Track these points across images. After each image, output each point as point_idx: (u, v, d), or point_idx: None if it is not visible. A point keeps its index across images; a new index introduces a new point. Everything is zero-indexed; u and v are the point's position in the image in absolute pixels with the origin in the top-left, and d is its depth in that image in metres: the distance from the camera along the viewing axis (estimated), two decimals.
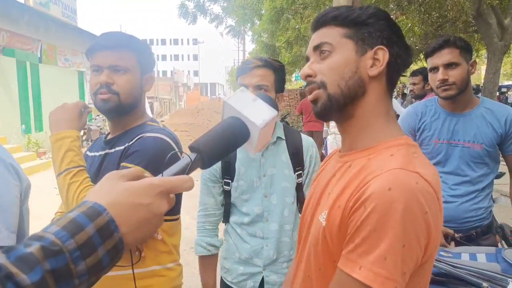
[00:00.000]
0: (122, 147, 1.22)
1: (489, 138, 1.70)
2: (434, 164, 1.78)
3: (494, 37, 7.58)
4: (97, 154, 1.30)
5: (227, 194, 1.54)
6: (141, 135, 1.20)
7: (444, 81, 1.68)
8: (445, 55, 1.69)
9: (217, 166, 1.53)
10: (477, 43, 12.30)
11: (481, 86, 9.76)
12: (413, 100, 4.29)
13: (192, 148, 0.64)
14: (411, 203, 0.64)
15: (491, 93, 7.84)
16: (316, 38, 0.84)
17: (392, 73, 0.81)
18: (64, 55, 13.82)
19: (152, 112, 27.57)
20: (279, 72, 1.49)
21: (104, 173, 1.19)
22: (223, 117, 0.72)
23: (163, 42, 64.75)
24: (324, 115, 0.82)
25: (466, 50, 1.70)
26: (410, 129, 1.85)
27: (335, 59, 0.79)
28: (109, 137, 1.32)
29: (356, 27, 0.80)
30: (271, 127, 0.73)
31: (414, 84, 3.93)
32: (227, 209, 1.56)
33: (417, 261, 0.67)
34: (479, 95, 1.96)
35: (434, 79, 1.73)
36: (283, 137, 1.53)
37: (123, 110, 1.24)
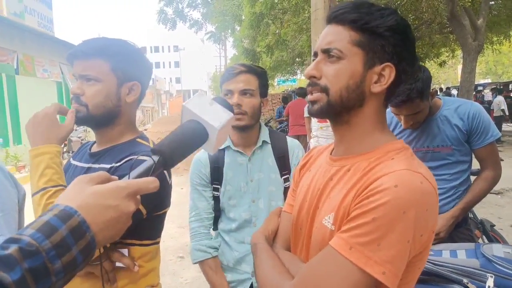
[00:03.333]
0: (108, 166, 1.13)
1: (456, 138, 1.73)
2: None
3: (468, 37, 7.81)
4: (79, 164, 1.22)
5: (216, 199, 1.53)
6: (131, 157, 1.11)
7: (408, 124, 1.73)
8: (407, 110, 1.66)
9: (206, 171, 1.52)
10: (452, 43, 12.65)
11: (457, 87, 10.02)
12: None
13: (154, 151, 0.67)
14: (415, 201, 0.68)
15: (468, 92, 8.06)
16: (328, 36, 0.82)
17: (394, 87, 0.81)
18: (42, 66, 13.53)
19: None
20: (262, 78, 1.52)
21: None
22: (182, 120, 0.76)
23: (144, 50, 64.04)
24: (318, 116, 0.85)
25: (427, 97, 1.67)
26: None
27: (342, 67, 0.79)
28: (95, 149, 1.24)
29: (372, 36, 0.78)
30: (228, 128, 0.78)
31: None
32: (216, 215, 1.55)
33: (412, 253, 0.70)
34: (440, 96, 1.96)
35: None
36: (269, 141, 1.54)
37: (95, 122, 1.17)
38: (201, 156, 1.56)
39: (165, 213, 1.19)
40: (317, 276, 0.71)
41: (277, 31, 10.94)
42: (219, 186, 1.52)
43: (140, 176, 0.64)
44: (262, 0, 8.47)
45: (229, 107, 0.83)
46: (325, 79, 0.80)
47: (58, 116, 1.14)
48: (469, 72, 8.06)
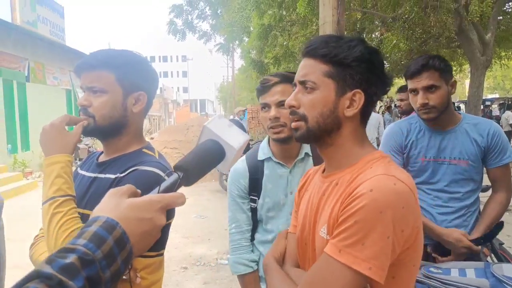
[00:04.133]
0: (113, 176, 1.15)
1: (474, 154, 1.72)
2: (422, 181, 1.78)
3: (476, 52, 7.80)
4: (87, 174, 1.24)
5: (253, 211, 1.52)
6: (135, 168, 1.13)
7: (424, 105, 1.69)
8: (425, 79, 1.68)
9: (245, 182, 1.52)
10: (460, 57, 12.63)
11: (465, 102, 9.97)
12: (399, 115, 4.34)
13: (178, 167, 0.71)
14: (390, 200, 0.76)
15: (476, 107, 8.01)
16: (303, 69, 0.92)
17: (367, 108, 0.91)
18: (52, 74, 13.74)
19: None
20: None
21: (91, 198, 1.16)
22: (201, 139, 0.82)
23: (152, 59, 64.89)
24: (302, 141, 0.96)
25: (446, 70, 1.70)
26: (397, 146, 1.83)
27: (317, 97, 0.89)
28: (102, 159, 1.26)
29: (340, 67, 0.88)
30: (242, 150, 0.84)
31: (401, 100, 3.98)
32: (253, 226, 1.54)
33: (396, 250, 0.78)
34: (461, 111, 1.98)
35: (415, 101, 1.74)
36: (310, 153, 1.52)
37: (103, 133, 1.19)
38: (239, 167, 1.54)
39: (169, 224, 1.19)
40: (315, 281, 0.79)
41: (284, 43, 11.00)
42: (256, 198, 1.50)
43: (166, 191, 0.68)
44: (271, 12, 8.56)
45: (245, 130, 0.88)
46: (303, 108, 0.90)
47: (66, 127, 1.17)
48: (477, 86, 8.02)
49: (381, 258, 0.75)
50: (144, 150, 1.22)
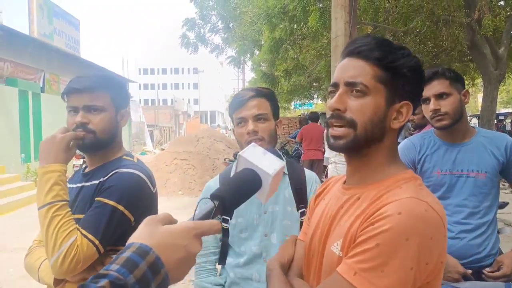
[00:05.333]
0: (97, 181, 1.28)
1: (492, 166, 1.69)
2: (439, 197, 1.73)
3: (489, 66, 7.73)
4: (74, 186, 1.37)
5: (225, 232, 1.45)
6: (116, 171, 1.27)
7: (436, 111, 1.69)
8: (435, 86, 1.70)
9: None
10: (472, 71, 12.54)
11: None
12: (412, 129, 4.29)
13: (214, 196, 0.71)
14: (419, 228, 0.69)
15: (489, 121, 7.90)
16: (350, 69, 0.82)
17: (406, 123, 0.86)
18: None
19: (152, 140, 27.63)
20: (273, 99, 1.45)
21: (79, 206, 1.29)
22: (237, 169, 0.81)
23: (164, 71, 65.85)
24: (342, 150, 0.86)
25: (456, 80, 1.72)
26: (409, 162, 1.80)
27: (368, 102, 0.81)
28: (87, 170, 1.39)
29: (394, 75, 0.81)
30: (279, 177, 0.81)
31: (414, 114, 3.95)
32: (224, 249, 1.47)
33: (416, 284, 0.71)
34: (474, 125, 1.96)
35: (427, 110, 1.74)
36: (286, 172, 1.45)
37: (99, 146, 1.33)
38: (210, 185, 1.49)
39: None
40: None
41: (295, 56, 11.08)
42: (228, 218, 1.41)
43: (202, 218, 0.68)
44: (282, 26, 8.64)
45: (280, 157, 0.87)
46: (350, 112, 0.81)
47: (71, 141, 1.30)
48: (490, 101, 7.93)
49: None
50: (124, 157, 1.38)
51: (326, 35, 8.40)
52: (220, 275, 1.51)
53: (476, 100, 27.96)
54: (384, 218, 0.71)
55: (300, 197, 1.44)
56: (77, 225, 1.18)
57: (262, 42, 10.18)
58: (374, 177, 0.84)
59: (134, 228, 1.01)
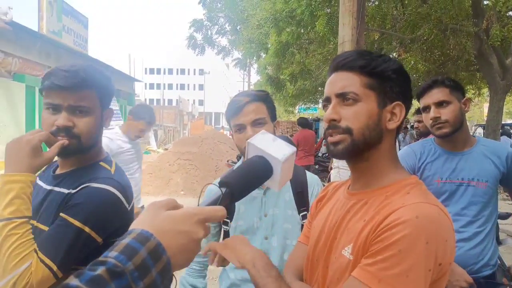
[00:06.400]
0: (66, 192, 1.13)
1: (493, 175, 1.69)
2: None
3: (496, 76, 7.69)
4: (43, 186, 1.20)
5: (225, 234, 1.45)
6: (87, 184, 1.10)
7: (436, 119, 1.69)
8: (435, 94, 1.71)
9: None
10: (479, 81, 12.48)
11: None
12: (416, 137, 4.28)
13: (222, 183, 0.70)
14: (436, 231, 0.72)
15: (495, 131, 7.86)
16: (339, 82, 0.88)
17: (402, 124, 0.89)
18: None
19: (156, 140, 27.71)
20: (268, 101, 1.43)
21: (43, 214, 1.11)
22: (247, 157, 0.79)
23: (170, 71, 66.08)
24: (342, 156, 0.88)
25: (456, 88, 1.72)
26: (409, 168, 1.79)
27: (361, 109, 0.85)
28: (58, 171, 1.22)
29: (380, 79, 0.86)
30: (291, 164, 0.80)
31: (419, 121, 3.95)
32: None
33: (428, 283, 0.73)
34: (476, 135, 1.96)
35: (428, 119, 1.74)
36: None
37: (80, 152, 1.17)
38: (211, 187, 1.49)
39: None
40: None
41: (302, 60, 11.08)
42: (228, 220, 1.43)
43: (208, 205, 0.66)
44: (289, 30, 8.66)
45: (291, 143, 0.85)
46: (345, 121, 0.85)
47: (41, 145, 1.10)
48: (496, 111, 7.89)
49: None
50: (101, 163, 1.22)
51: (333, 40, 8.41)
52: (220, 276, 1.52)
53: (482, 110, 27.82)
54: (401, 224, 0.72)
55: (301, 200, 1.43)
56: (35, 245, 1.03)
57: (269, 45, 10.19)
58: (379, 182, 0.86)
59: (102, 248, 0.96)
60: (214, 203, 0.67)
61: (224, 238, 1.49)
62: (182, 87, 65.66)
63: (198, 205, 0.65)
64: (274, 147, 0.78)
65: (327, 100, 0.90)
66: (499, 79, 7.69)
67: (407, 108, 0.89)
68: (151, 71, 64.74)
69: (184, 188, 9.09)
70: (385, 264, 0.71)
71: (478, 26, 6.99)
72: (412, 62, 8.55)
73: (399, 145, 10.53)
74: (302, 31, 8.72)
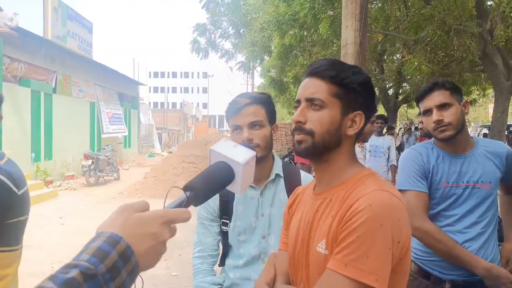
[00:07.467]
0: None
1: (495, 176, 1.69)
2: (444, 208, 1.72)
3: (501, 77, 7.65)
4: None
5: (224, 235, 1.48)
6: None
7: (439, 122, 1.67)
8: (437, 97, 1.69)
9: (215, 204, 1.48)
10: (483, 82, 12.41)
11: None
12: (419, 137, 4.27)
13: (187, 187, 0.74)
14: (388, 214, 0.82)
15: (500, 132, 7.81)
16: (309, 88, 0.97)
17: (362, 128, 0.98)
18: (78, 86, 14.20)
19: (161, 143, 27.79)
20: (269, 105, 1.46)
21: None
22: (210, 163, 0.84)
23: (174, 75, 66.37)
24: (304, 155, 0.98)
25: (456, 91, 1.71)
26: (422, 170, 1.74)
27: (325, 114, 0.95)
28: None
29: (346, 89, 0.95)
30: (251, 168, 0.85)
31: (423, 123, 3.94)
32: (224, 251, 1.50)
33: (394, 260, 0.82)
34: (473, 135, 1.94)
35: (429, 121, 1.72)
36: (282, 174, 1.48)
37: None
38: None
39: (20, 221, 1.29)
40: None
41: (305, 63, 11.10)
42: (228, 221, 1.46)
43: (174, 208, 0.69)
44: (292, 32, 8.68)
45: (252, 148, 0.91)
46: (310, 124, 0.95)
47: None
48: (501, 112, 7.84)
49: (384, 269, 0.80)
50: None
51: (336, 42, 8.42)
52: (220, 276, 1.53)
53: (486, 111, 27.65)
54: (358, 212, 0.82)
55: None
56: None
57: (272, 48, 10.23)
58: (339, 179, 0.96)
59: None
60: (179, 206, 0.70)
61: (222, 239, 1.51)
62: (186, 90, 65.89)
63: (164, 208, 0.68)
64: (235, 152, 0.83)
65: (298, 102, 0.99)
66: (504, 80, 7.65)
67: (368, 118, 0.98)
68: (155, 74, 65.07)
69: None
70: (348, 250, 0.81)
71: (482, 26, 6.96)
72: (416, 63, 8.53)
73: (403, 147, 10.46)
74: (305, 33, 8.74)
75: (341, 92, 0.95)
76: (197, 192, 0.73)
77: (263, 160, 1.43)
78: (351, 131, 0.96)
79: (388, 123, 14.60)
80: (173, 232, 0.65)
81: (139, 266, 0.59)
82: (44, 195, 9.07)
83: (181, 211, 0.67)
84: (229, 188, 0.83)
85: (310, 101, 0.96)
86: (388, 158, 5.44)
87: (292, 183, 1.47)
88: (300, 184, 1.48)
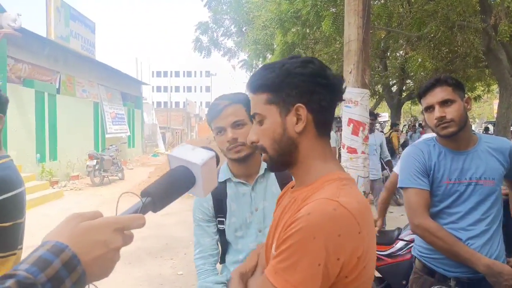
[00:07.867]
0: None
1: (499, 173, 1.68)
2: (448, 206, 1.71)
3: (505, 72, 7.59)
4: None
5: (222, 233, 1.50)
6: None
7: (441, 119, 1.66)
8: (439, 93, 1.68)
9: (209, 204, 1.50)
10: (488, 77, 12.33)
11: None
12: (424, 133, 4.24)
13: (143, 193, 0.71)
14: (324, 226, 0.74)
15: (505, 128, 7.76)
16: (251, 104, 0.94)
17: (319, 116, 0.89)
18: (82, 86, 14.25)
19: (164, 142, 27.85)
20: (248, 103, 1.48)
21: None
22: (170, 168, 0.81)
23: (177, 74, 66.43)
24: (273, 171, 0.97)
25: (458, 87, 1.69)
26: (423, 167, 1.73)
27: (266, 125, 0.91)
28: None
29: (276, 90, 0.89)
30: (212, 169, 0.83)
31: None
32: (223, 248, 1.52)
33: (330, 277, 0.76)
34: (476, 131, 1.92)
35: (431, 118, 1.70)
36: None
37: None
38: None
39: (15, 225, 1.31)
40: None
41: None
42: (223, 219, 1.48)
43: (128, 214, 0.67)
44: (294, 30, 8.65)
45: (211, 150, 0.87)
46: (260, 141, 0.92)
47: None
48: (506, 108, 7.78)
49: (308, 285, 0.74)
50: None
51: (339, 40, 8.39)
52: (221, 273, 1.55)
53: (491, 107, 27.47)
54: (297, 220, 0.77)
55: None
56: None
57: (275, 46, 10.20)
58: (309, 179, 0.90)
59: None
60: (134, 212, 0.67)
61: (220, 237, 1.52)
62: (189, 89, 65.96)
63: (116, 213, 0.66)
64: (193, 154, 0.81)
65: (253, 119, 0.97)
66: (508, 75, 7.59)
67: (315, 103, 0.87)
68: (158, 74, 65.15)
69: None
70: (280, 257, 0.77)
71: (486, 22, 6.90)
72: (420, 60, 8.49)
73: (407, 144, 10.42)
74: (307, 31, 8.70)
75: (271, 96, 0.89)
76: (154, 198, 0.71)
77: (250, 157, 1.45)
78: (299, 127, 0.88)
79: (392, 120, 14.53)
80: (127, 239, 0.63)
81: (88, 275, 0.56)
82: (50, 196, 9.13)
83: (134, 217, 0.64)
84: (192, 192, 0.81)
85: (253, 117, 0.94)
86: (382, 154, 5.44)
87: (282, 175, 1.48)
88: (291, 176, 1.49)
